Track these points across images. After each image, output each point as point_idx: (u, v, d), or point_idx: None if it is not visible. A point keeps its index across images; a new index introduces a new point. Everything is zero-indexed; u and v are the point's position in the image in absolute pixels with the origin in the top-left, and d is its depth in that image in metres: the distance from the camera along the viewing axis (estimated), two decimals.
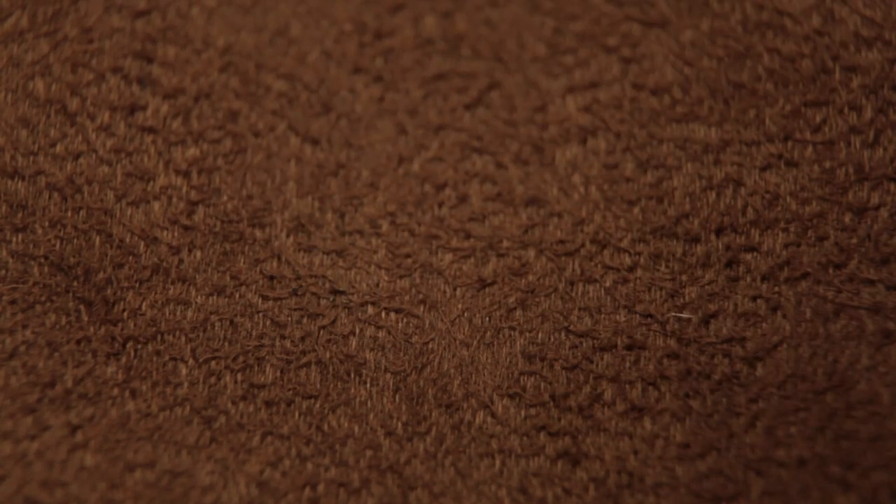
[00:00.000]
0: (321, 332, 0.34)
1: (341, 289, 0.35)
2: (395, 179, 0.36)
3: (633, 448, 0.33)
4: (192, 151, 0.36)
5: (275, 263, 0.35)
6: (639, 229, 0.35)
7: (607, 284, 0.35)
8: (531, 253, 0.35)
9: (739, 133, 0.36)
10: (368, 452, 0.33)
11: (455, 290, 0.35)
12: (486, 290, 0.35)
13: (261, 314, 0.35)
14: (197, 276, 0.35)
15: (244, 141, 0.36)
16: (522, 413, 0.34)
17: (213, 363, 0.34)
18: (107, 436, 0.33)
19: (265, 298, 0.35)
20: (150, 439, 0.33)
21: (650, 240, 0.35)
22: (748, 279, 0.35)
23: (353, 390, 0.34)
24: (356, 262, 0.35)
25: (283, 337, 0.34)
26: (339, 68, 0.37)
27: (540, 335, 0.34)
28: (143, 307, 0.35)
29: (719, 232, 0.35)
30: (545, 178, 0.36)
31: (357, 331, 0.35)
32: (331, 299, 0.35)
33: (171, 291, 0.35)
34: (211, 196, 0.36)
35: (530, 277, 0.35)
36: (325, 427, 0.34)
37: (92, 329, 0.34)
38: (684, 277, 0.35)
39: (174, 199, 0.36)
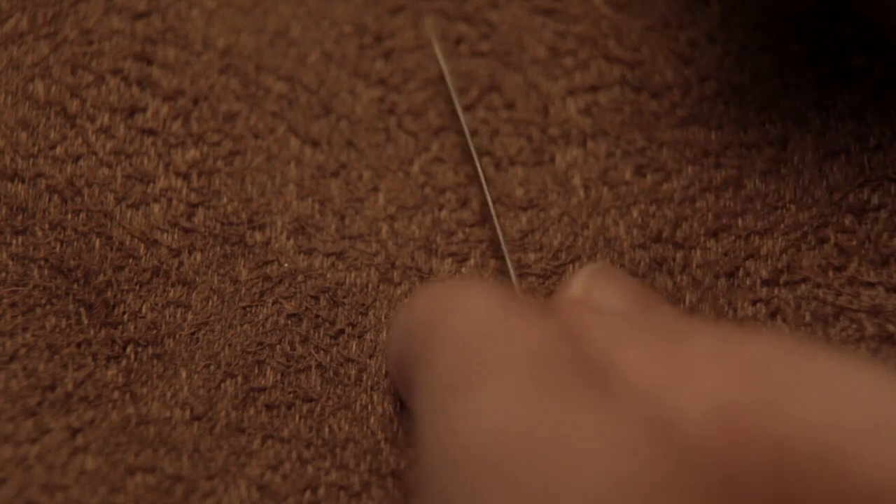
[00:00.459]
0: (321, 334, 0.34)
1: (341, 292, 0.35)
2: (396, 182, 0.36)
3: None
4: (192, 153, 0.36)
5: (275, 266, 0.35)
6: (638, 233, 0.35)
7: None
8: (531, 256, 0.35)
9: (739, 136, 0.36)
10: (369, 456, 0.33)
11: None
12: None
13: (261, 317, 0.35)
14: (197, 279, 0.35)
15: (244, 143, 0.36)
16: None
17: (213, 366, 0.34)
18: (107, 439, 0.33)
19: (265, 301, 0.35)
20: (150, 443, 0.33)
21: (650, 244, 0.35)
22: (748, 283, 0.34)
23: (353, 394, 0.34)
24: (356, 264, 0.35)
25: (283, 340, 0.34)
26: (339, 70, 0.37)
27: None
28: (144, 310, 0.34)
29: (717, 236, 0.35)
30: (545, 181, 0.36)
31: (357, 334, 0.34)
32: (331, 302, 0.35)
33: (171, 294, 0.35)
34: (211, 198, 0.36)
35: (530, 280, 0.35)
36: (326, 430, 0.33)
37: (92, 332, 0.34)
38: (684, 282, 0.35)
39: (174, 202, 0.36)
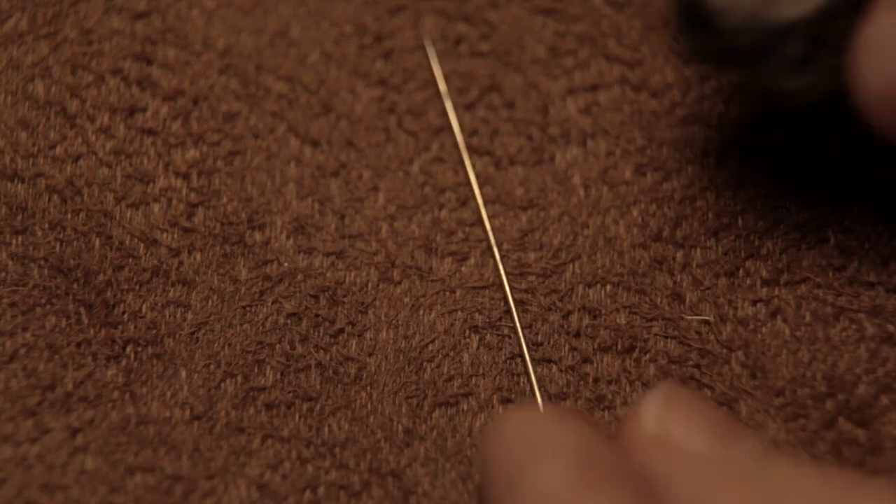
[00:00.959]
0: (321, 334, 0.34)
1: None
2: (396, 181, 0.36)
3: None
4: (192, 153, 0.36)
5: (275, 265, 0.35)
6: (638, 232, 0.35)
7: (607, 287, 0.34)
8: (531, 256, 0.35)
9: (739, 136, 0.35)
10: (369, 455, 0.33)
11: (455, 291, 0.35)
12: (486, 291, 0.35)
13: (261, 316, 0.34)
14: (197, 278, 0.35)
15: (244, 143, 0.36)
16: None
17: (212, 366, 0.34)
18: (107, 439, 0.33)
19: (265, 300, 0.34)
20: (150, 443, 0.33)
21: (650, 243, 0.35)
22: (748, 282, 0.34)
23: (353, 393, 0.34)
24: (356, 263, 0.35)
25: (282, 339, 0.34)
26: (339, 70, 0.37)
27: (539, 337, 0.34)
28: (143, 309, 0.34)
29: (717, 235, 0.35)
30: (545, 181, 0.36)
31: (357, 333, 0.34)
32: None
33: (170, 294, 0.34)
34: (211, 198, 0.35)
35: (530, 279, 0.35)
36: (326, 430, 0.33)
37: (92, 331, 0.34)
38: (684, 281, 0.34)
39: (174, 201, 0.35)
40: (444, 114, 0.36)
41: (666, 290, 0.34)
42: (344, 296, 0.35)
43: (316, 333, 0.34)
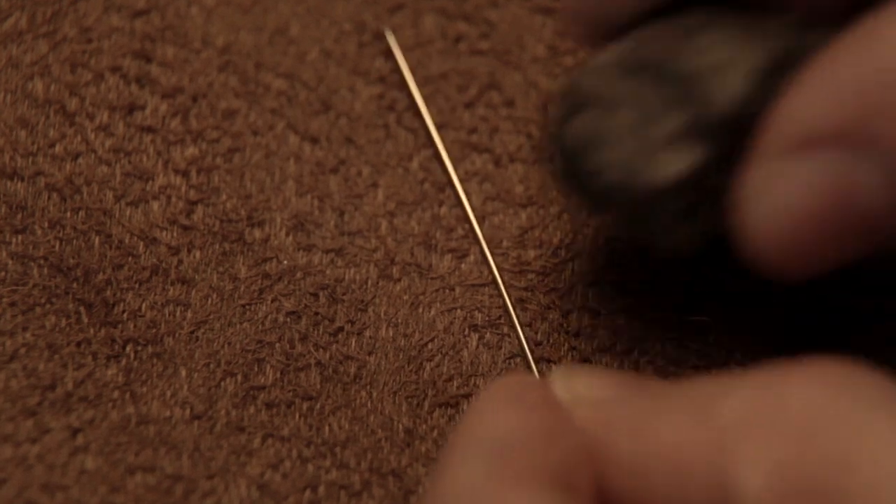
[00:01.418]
0: (320, 332, 0.34)
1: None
2: (395, 178, 0.35)
3: None
4: (191, 151, 0.36)
5: (274, 263, 0.35)
6: None
7: (607, 287, 0.34)
8: (531, 253, 0.35)
9: None
10: (369, 455, 0.33)
11: (454, 289, 0.34)
12: (485, 289, 0.35)
13: (260, 315, 0.34)
14: (196, 277, 0.34)
15: (243, 140, 0.36)
16: None
17: (212, 365, 0.34)
18: (107, 439, 0.33)
19: (264, 299, 0.34)
20: (150, 442, 0.33)
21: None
22: (747, 283, 0.34)
23: (353, 392, 0.33)
24: (355, 260, 0.35)
25: (282, 338, 0.34)
26: (338, 67, 0.36)
27: (539, 335, 0.34)
28: (143, 308, 0.34)
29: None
30: (545, 179, 0.35)
31: (356, 331, 0.34)
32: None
33: (170, 292, 0.34)
34: (210, 195, 0.35)
35: (530, 276, 0.34)
36: (326, 429, 0.33)
37: (92, 331, 0.34)
38: (686, 280, 0.34)
39: (173, 199, 0.35)
40: (444, 111, 0.36)
41: (665, 290, 0.34)
42: (343, 294, 0.34)
43: (315, 332, 0.34)
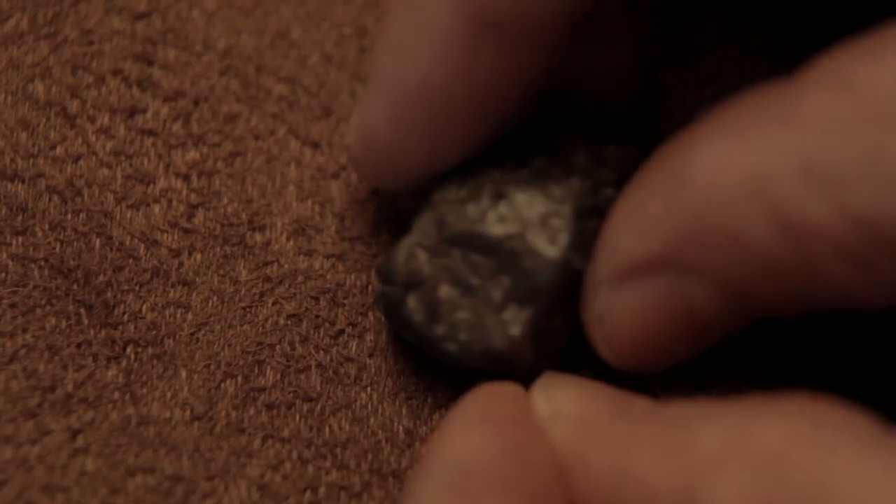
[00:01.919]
0: (321, 334, 0.34)
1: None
2: None
3: None
4: (193, 154, 0.35)
5: (275, 266, 0.34)
6: None
7: None
8: None
9: None
10: (370, 456, 0.32)
11: None
12: None
13: (261, 317, 0.34)
14: (197, 279, 0.34)
15: (244, 144, 0.35)
16: None
17: (213, 366, 0.33)
18: (108, 440, 0.32)
19: (265, 302, 0.34)
20: (150, 443, 0.32)
21: None
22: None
23: (353, 394, 0.33)
24: (356, 266, 0.34)
25: (283, 340, 0.34)
26: (339, 72, 0.36)
27: None
28: (144, 310, 0.34)
29: None
30: None
31: (357, 334, 0.34)
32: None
33: (171, 294, 0.34)
34: (211, 199, 0.35)
35: None
36: (326, 430, 0.33)
37: (92, 332, 0.33)
38: None
39: (174, 202, 0.35)
40: None
41: None
42: (344, 297, 0.34)
43: (316, 334, 0.34)
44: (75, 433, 0.32)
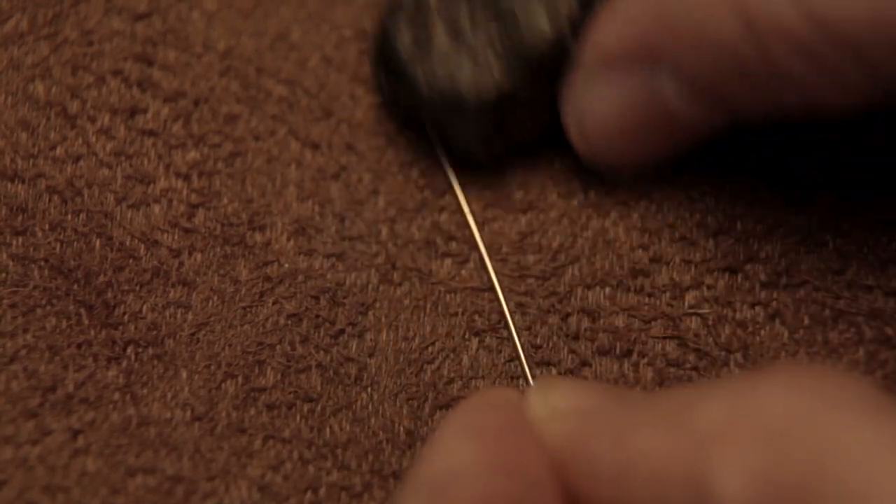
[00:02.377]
0: (321, 334, 0.33)
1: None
2: (396, 185, 0.35)
3: None
4: (193, 155, 0.35)
5: (275, 266, 0.34)
6: (638, 235, 0.34)
7: (606, 290, 0.34)
8: (530, 258, 0.34)
9: (739, 138, 0.35)
10: (370, 457, 0.32)
11: (455, 293, 0.34)
12: (485, 293, 0.34)
13: (261, 317, 0.34)
14: (197, 279, 0.34)
15: (244, 145, 0.35)
16: None
17: (213, 367, 0.33)
18: (108, 440, 0.32)
19: (265, 301, 0.34)
20: (151, 444, 0.32)
21: (649, 246, 0.34)
22: (746, 286, 0.34)
23: (353, 394, 0.33)
24: (356, 265, 0.34)
25: (283, 340, 0.33)
26: (339, 74, 0.36)
27: (538, 339, 0.34)
28: (144, 310, 0.33)
29: (717, 238, 0.34)
30: (544, 183, 0.35)
31: (357, 334, 0.34)
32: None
33: (171, 295, 0.34)
34: (211, 199, 0.35)
35: (529, 281, 0.34)
36: (327, 431, 0.33)
37: (93, 332, 0.33)
38: (683, 283, 0.34)
39: (174, 203, 0.34)
40: None
41: (665, 292, 0.34)
42: (344, 297, 0.34)
43: (316, 334, 0.33)
44: (76, 433, 0.32)
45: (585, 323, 0.34)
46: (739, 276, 0.34)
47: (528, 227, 0.35)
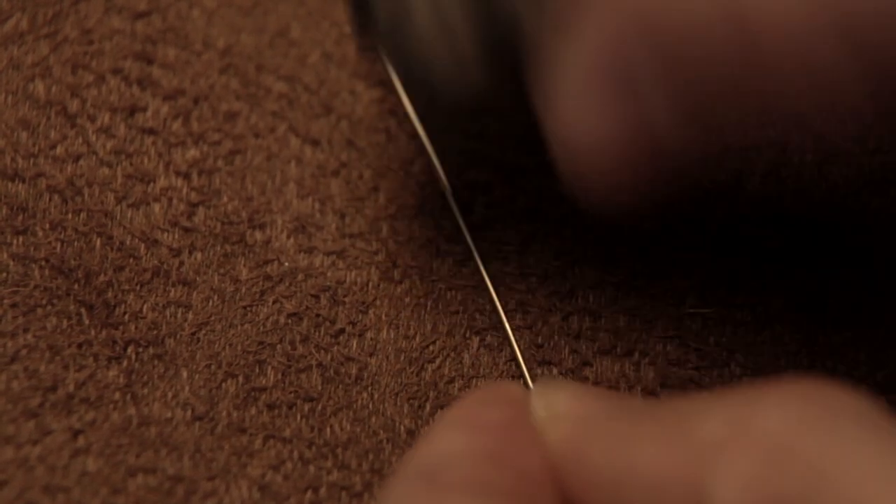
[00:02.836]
0: (322, 333, 0.33)
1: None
2: (397, 181, 0.35)
3: None
4: (193, 153, 0.35)
5: (275, 265, 0.34)
6: (638, 235, 0.34)
7: (608, 289, 0.33)
8: (531, 258, 0.34)
9: (738, 138, 0.34)
10: (371, 456, 0.32)
11: (456, 292, 0.34)
12: (486, 292, 0.34)
13: (262, 316, 0.33)
14: (198, 278, 0.33)
15: (244, 142, 0.35)
16: None
17: (214, 366, 0.33)
18: (108, 440, 0.32)
19: (266, 300, 0.33)
20: (151, 444, 0.32)
21: (651, 246, 0.34)
22: (748, 286, 0.33)
23: (354, 393, 0.33)
24: (357, 263, 0.34)
25: (283, 339, 0.33)
26: (339, 70, 0.36)
27: (540, 339, 0.33)
28: (144, 310, 0.33)
29: (718, 238, 0.34)
30: (547, 184, 0.35)
31: (357, 332, 0.33)
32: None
33: (171, 294, 0.33)
34: (211, 197, 0.34)
35: (531, 280, 0.34)
36: (328, 430, 0.32)
37: (93, 332, 0.33)
38: (683, 284, 0.33)
39: (174, 201, 0.34)
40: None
41: (665, 292, 0.33)
42: (345, 296, 0.34)
43: (317, 333, 0.33)
44: (76, 433, 0.32)
45: (587, 322, 0.33)
46: (740, 276, 0.33)
47: (530, 227, 0.34)
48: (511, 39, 0.29)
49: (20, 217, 0.34)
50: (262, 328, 0.33)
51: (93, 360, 0.32)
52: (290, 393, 0.32)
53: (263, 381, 0.33)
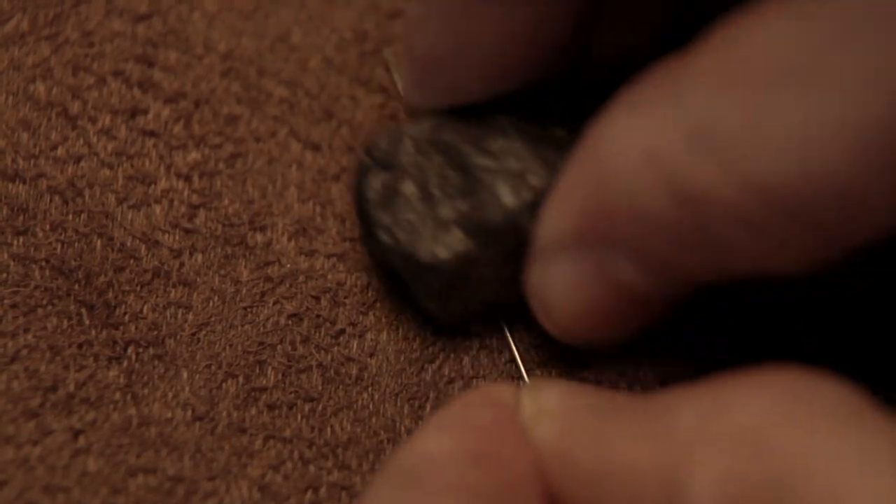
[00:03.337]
0: (322, 334, 0.33)
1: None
2: None
3: None
4: (194, 155, 0.34)
5: (276, 267, 0.33)
6: None
7: None
8: None
9: None
10: (371, 456, 0.32)
11: None
12: None
13: (262, 317, 0.33)
14: (198, 280, 0.33)
15: (245, 146, 0.35)
16: None
17: (214, 367, 0.32)
18: (109, 440, 0.31)
19: (266, 302, 0.33)
20: (152, 444, 0.31)
21: None
22: (748, 284, 0.33)
23: (354, 394, 0.32)
24: (357, 265, 0.34)
25: (284, 340, 0.33)
26: (340, 76, 0.35)
27: (539, 339, 0.33)
28: (145, 310, 0.33)
29: None
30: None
31: (358, 333, 0.33)
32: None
33: (172, 295, 0.33)
34: (212, 200, 0.34)
35: None
36: (328, 431, 0.32)
37: (93, 333, 0.32)
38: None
39: (175, 203, 0.34)
40: None
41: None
42: (345, 297, 0.33)
43: (317, 334, 0.33)
44: (77, 434, 0.31)
45: None
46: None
47: None
48: (493, 221, 0.30)
49: (21, 218, 0.33)
50: (262, 329, 0.33)
51: (93, 361, 0.32)
52: (291, 393, 0.32)
53: (264, 382, 0.32)
